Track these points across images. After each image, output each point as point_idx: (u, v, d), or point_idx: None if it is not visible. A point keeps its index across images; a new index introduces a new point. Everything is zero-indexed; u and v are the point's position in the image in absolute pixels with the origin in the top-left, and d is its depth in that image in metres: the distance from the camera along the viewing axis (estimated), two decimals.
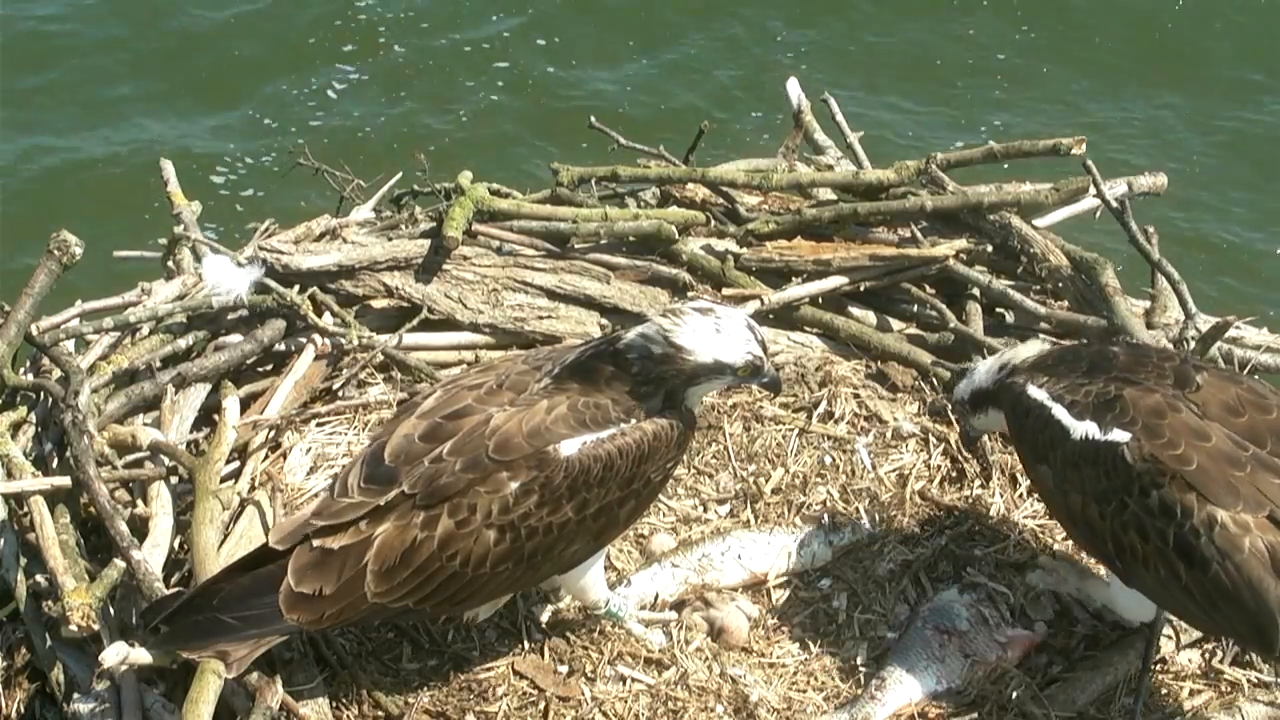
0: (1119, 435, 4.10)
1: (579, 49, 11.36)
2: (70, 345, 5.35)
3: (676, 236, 5.90)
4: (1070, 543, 4.77)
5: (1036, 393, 4.34)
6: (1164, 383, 4.21)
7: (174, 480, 4.89)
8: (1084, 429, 4.17)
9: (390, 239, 5.84)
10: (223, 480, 4.91)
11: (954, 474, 5.17)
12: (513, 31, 11.49)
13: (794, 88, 6.95)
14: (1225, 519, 3.93)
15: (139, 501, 4.84)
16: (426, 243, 5.77)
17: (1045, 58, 11.45)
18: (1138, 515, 4.05)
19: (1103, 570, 4.53)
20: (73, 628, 4.23)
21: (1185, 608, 4.15)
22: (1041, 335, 5.63)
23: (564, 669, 4.49)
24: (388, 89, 10.93)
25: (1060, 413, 4.24)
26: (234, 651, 3.98)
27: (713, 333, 4.04)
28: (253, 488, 4.98)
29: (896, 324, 5.91)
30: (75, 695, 4.25)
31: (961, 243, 5.98)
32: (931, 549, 4.90)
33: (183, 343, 5.46)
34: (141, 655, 4.00)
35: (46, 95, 10.82)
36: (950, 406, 5.20)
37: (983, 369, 4.67)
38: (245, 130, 10.49)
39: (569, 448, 4.00)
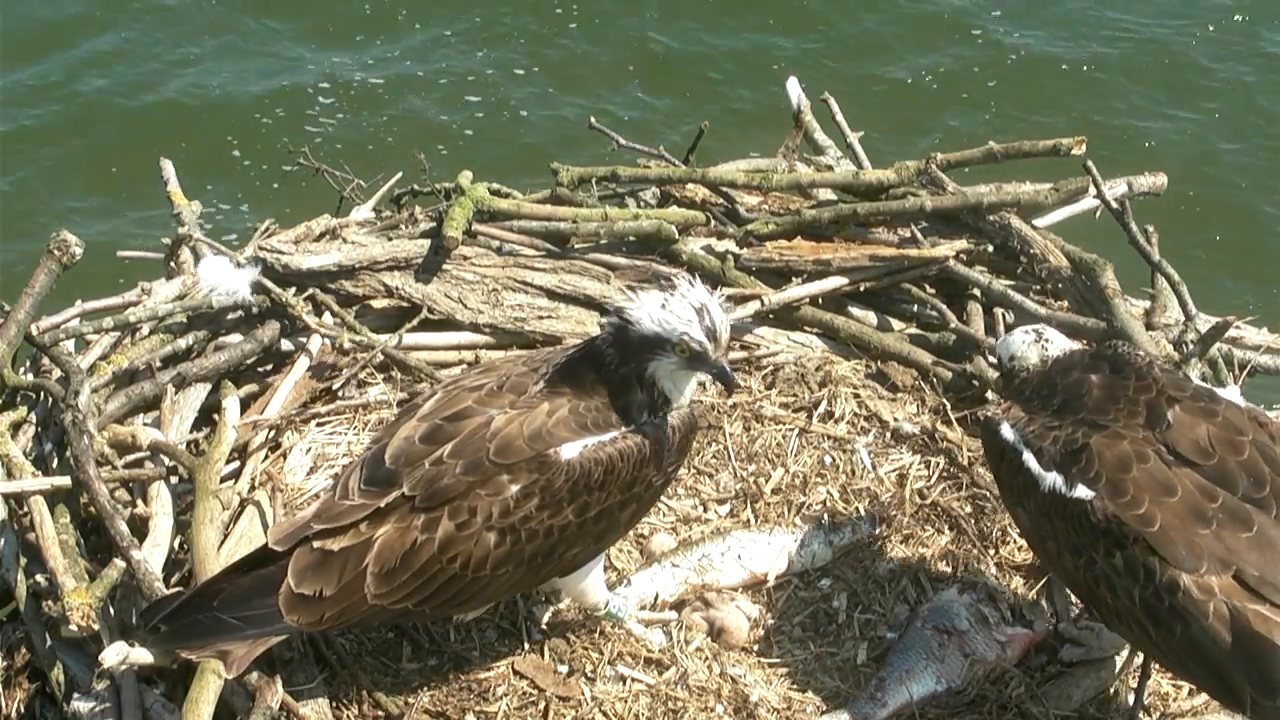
0: (1083, 492, 4.02)
1: (580, 49, 11.36)
2: (70, 345, 5.35)
3: (676, 236, 5.90)
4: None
5: (1008, 434, 4.27)
6: (1134, 423, 4.12)
7: (174, 480, 4.89)
8: (1051, 481, 4.10)
9: (390, 239, 5.84)
10: (223, 480, 4.91)
11: (954, 473, 5.17)
12: (514, 31, 11.50)
13: (794, 88, 6.95)
14: (1188, 583, 3.83)
15: (139, 501, 4.84)
16: (426, 243, 5.77)
17: (1047, 56, 11.46)
18: (1106, 573, 3.99)
19: None
20: (73, 628, 4.23)
21: (1160, 661, 4.13)
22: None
23: (564, 669, 4.49)
24: (388, 88, 10.93)
25: (1030, 460, 4.17)
26: (234, 651, 3.97)
27: (658, 306, 3.98)
28: (253, 488, 4.98)
29: (897, 324, 5.91)
30: (75, 695, 4.24)
31: (961, 243, 5.98)
32: (931, 549, 4.91)
33: (183, 343, 5.47)
34: (141, 655, 4.00)
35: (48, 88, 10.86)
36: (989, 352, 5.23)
37: (1018, 341, 4.57)
38: (245, 129, 10.49)
39: (570, 451, 4.00)
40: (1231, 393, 4.47)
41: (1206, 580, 3.83)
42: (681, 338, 3.97)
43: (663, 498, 5.01)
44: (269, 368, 5.62)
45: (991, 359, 5.21)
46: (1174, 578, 3.85)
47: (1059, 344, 4.52)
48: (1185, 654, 3.89)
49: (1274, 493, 3.97)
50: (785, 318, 5.81)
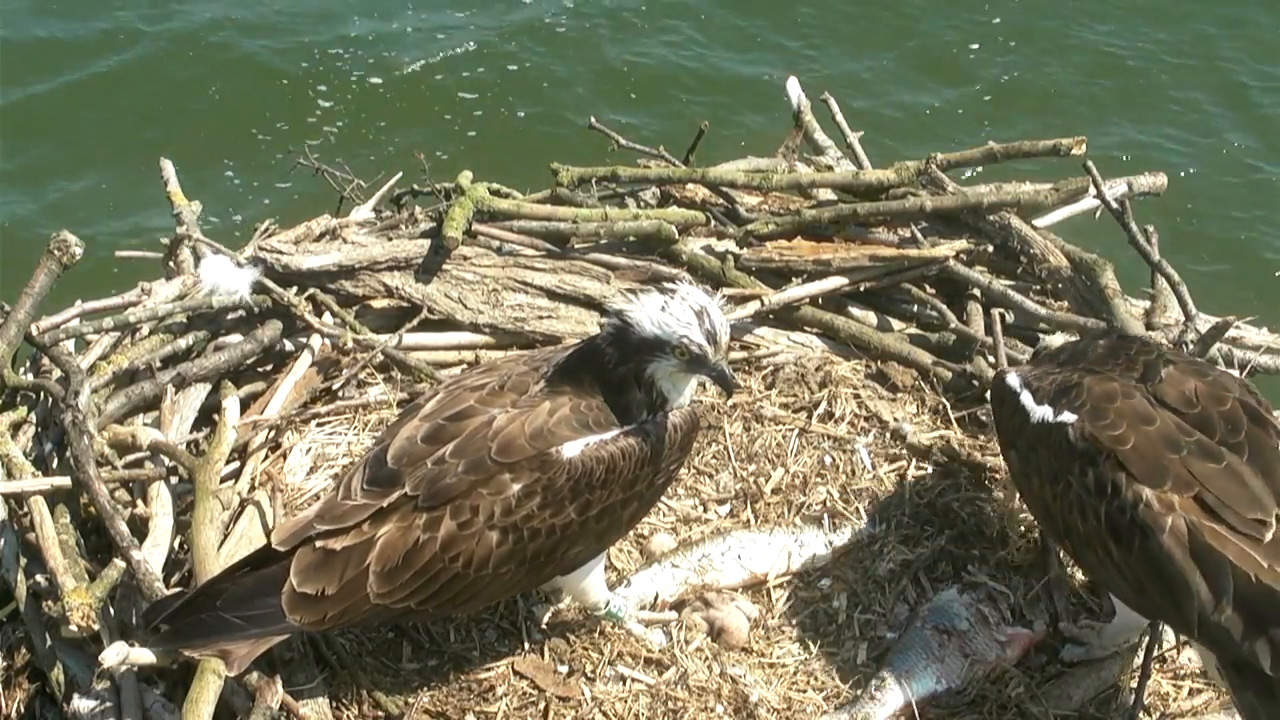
0: (1066, 417, 4.23)
1: (580, 48, 11.37)
2: (70, 345, 5.35)
3: (676, 236, 5.90)
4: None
5: (1011, 380, 4.50)
6: (1129, 375, 4.32)
7: (174, 480, 4.89)
8: (1041, 413, 4.31)
9: (390, 239, 5.84)
10: (223, 480, 4.91)
11: (954, 473, 5.16)
12: (513, 32, 11.50)
13: (794, 88, 6.95)
14: (1150, 497, 3.99)
15: (139, 501, 4.84)
16: (426, 243, 5.77)
17: (1048, 57, 11.46)
18: (1079, 495, 4.14)
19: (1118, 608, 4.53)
20: (73, 628, 4.23)
21: (1121, 589, 4.22)
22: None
23: (564, 669, 4.49)
24: (388, 88, 10.94)
25: (1026, 398, 4.39)
26: (235, 650, 3.98)
27: (658, 308, 4.01)
28: (253, 488, 4.98)
29: (897, 324, 5.91)
30: (75, 695, 4.24)
31: (961, 243, 5.98)
32: (931, 549, 4.90)
33: (183, 343, 5.46)
34: (142, 655, 4.00)
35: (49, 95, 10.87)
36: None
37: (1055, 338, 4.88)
38: (245, 130, 10.49)
39: (571, 449, 4.01)
40: (1232, 373, 4.61)
41: (1168, 496, 3.99)
42: (681, 340, 3.98)
43: (663, 498, 5.01)
44: (269, 368, 5.62)
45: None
46: (1138, 492, 4.01)
47: None
48: (1143, 571, 4.00)
49: (1249, 439, 4.13)
50: (785, 318, 5.80)
